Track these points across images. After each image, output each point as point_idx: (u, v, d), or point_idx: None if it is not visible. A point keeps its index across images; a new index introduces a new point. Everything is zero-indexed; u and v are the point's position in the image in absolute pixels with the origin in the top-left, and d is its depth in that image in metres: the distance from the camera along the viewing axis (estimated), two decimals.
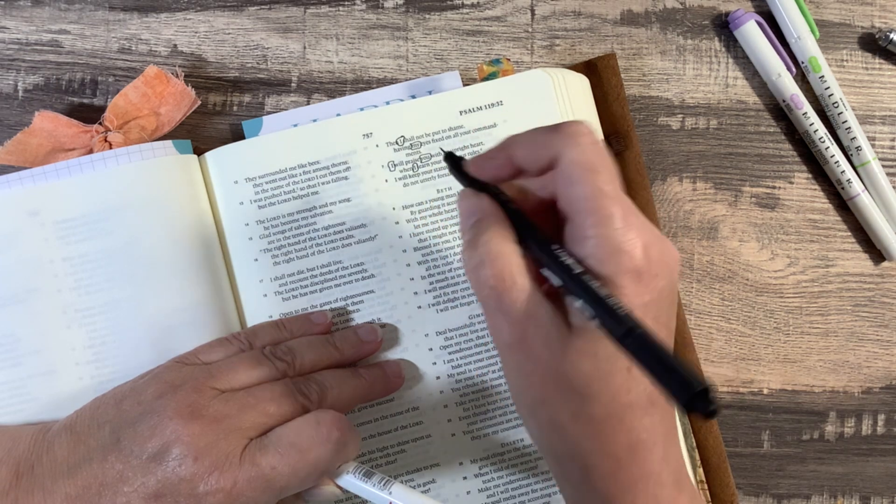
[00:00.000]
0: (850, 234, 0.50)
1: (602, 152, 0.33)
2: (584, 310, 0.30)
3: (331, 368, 0.43)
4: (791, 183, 0.50)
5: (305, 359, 0.42)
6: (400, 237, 0.45)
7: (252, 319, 0.45)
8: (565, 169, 0.33)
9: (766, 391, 0.50)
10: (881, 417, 0.50)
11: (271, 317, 0.45)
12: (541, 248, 0.33)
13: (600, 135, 0.47)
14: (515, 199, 0.35)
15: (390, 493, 0.37)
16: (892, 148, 0.50)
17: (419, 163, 0.45)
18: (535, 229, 0.33)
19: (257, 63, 0.48)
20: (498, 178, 0.35)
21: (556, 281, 0.32)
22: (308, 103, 0.48)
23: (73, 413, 0.41)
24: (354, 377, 0.42)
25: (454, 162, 0.37)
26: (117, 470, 0.37)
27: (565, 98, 0.45)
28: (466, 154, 0.45)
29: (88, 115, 0.48)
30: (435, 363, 0.45)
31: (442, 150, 0.40)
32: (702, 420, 0.24)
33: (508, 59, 0.47)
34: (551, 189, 0.34)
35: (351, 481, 0.39)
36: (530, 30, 0.49)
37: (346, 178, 0.45)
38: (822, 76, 0.49)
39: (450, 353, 0.45)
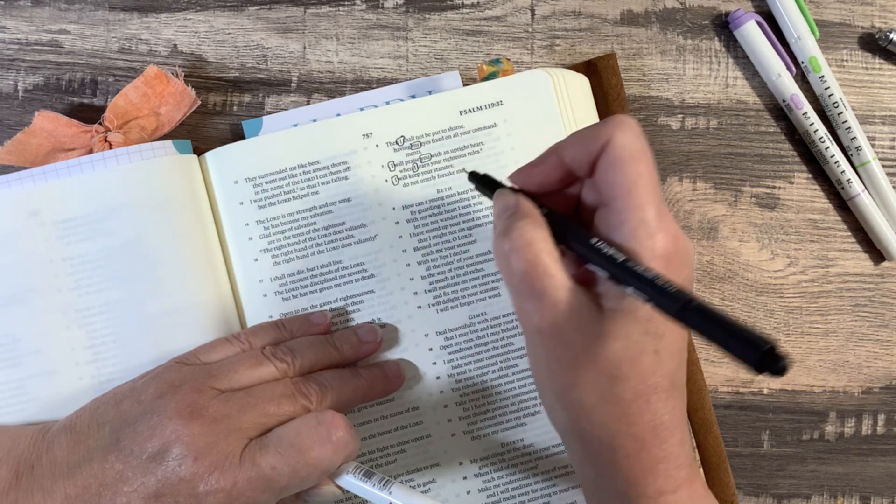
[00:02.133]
0: (850, 234, 0.50)
1: (646, 144, 0.34)
2: (637, 295, 0.31)
3: (331, 368, 0.43)
4: (791, 183, 0.50)
5: (305, 359, 0.42)
6: (400, 237, 0.45)
7: (252, 319, 0.45)
8: (614, 151, 0.33)
9: (766, 391, 0.49)
10: (881, 417, 0.50)
11: (271, 317, 0.45)
12: (582, 244, 0.34)
13: None
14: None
15: (390, 493, 0.37)
16: (892, 148, 0.50)
17: (419, 163, 0.45)
18: (572, 227, 0.34)
19: (257, 63, 0.48)
20: (545, 185, 0.36)
21: (602, 272, 0.33)
22: (308, 103, 0.48)
23: (73, 413, 0.41)
24: (354, 377, 0.42)
25: (484, 180, 0.38)
26: (117, 470, 0.37)
27: (565, 98, 0.45)
28: (467, 153, 0.45)
29: (88, 115, 0.48)
30: (435, 363, 0.45)
31: (465, 170, 0.41)
32: (772, 378, 0.25)
33: (508, 59, 0.47)
34: (587, 192, 0.36)
35: (351, 481, 0.39)
36: (530, 30, 0.49)
37: (346, 178, 0.45)
38: (822, 76, 0.49)
39: (450, 353, 0.45)
